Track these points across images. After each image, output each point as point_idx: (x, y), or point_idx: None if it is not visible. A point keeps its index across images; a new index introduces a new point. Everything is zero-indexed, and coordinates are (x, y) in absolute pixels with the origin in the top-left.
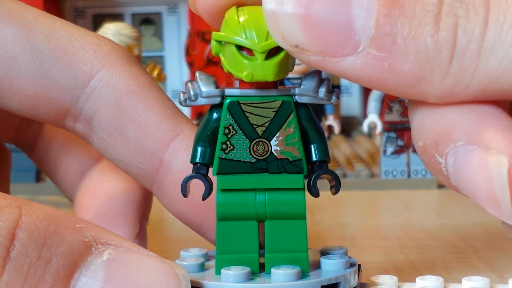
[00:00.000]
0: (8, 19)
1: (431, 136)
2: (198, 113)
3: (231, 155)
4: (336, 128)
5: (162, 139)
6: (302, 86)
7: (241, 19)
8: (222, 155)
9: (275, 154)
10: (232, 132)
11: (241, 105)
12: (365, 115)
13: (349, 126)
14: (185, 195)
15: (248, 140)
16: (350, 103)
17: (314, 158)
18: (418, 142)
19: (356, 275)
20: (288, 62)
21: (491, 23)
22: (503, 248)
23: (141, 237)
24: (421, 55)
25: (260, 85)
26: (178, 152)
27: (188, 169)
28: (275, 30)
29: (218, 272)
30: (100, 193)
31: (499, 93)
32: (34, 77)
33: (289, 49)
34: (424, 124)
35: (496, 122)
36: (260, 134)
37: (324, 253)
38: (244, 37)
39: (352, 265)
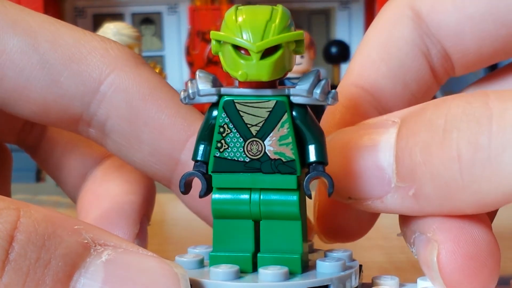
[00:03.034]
0: (13, 28)
1: (403, 228)
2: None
3: (225, 154)
4: None
5: (177, 139)
6: (296, 87)
7: (239, 19)
8: (217, 153)
9: (269, 154)
10: (227, 131)
11: (236, 104)
12: None
13: None
14: (183, 192)
15: (242, 140)
16: None
17: (309, 159)
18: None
19: (357, 276)
20: (285, 61)
21: (496, 130)
22: (503, 248)
23: (141, 238)
24: (434, 177)
25: (256, 84)
26: None
27: None
28: (332, 189)
29: None
30: (102, 194)
31: None
32: (43, 86)
33: (345, 201)
34: (400, 219)
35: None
36: (254, 134)
37: (326, 255)
38: (240, 36)
39: (349, 267)
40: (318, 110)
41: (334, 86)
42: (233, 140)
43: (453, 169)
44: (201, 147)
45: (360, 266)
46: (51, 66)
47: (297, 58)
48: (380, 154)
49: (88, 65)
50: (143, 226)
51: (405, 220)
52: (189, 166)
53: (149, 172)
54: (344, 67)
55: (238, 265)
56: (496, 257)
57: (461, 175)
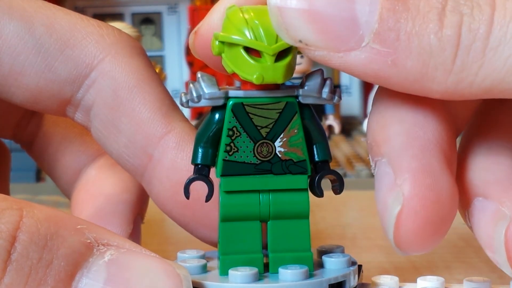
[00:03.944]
0: (9, 14)
1: (370, 139)
2: (198, 113)
3: (235, 157)
4: (336, 128)
5: (153, 135)
6: (306, 87)
7: (249, 20)
8: (226, 157)
9: (279, 155)
10: (236, 134)
11: (245, 106)
12: (365, 115)
13: (349, 126)
14: (187, 197)
15: (252, 142)
16: (350, 103)
17: (316, 158)
18: (364, 137)
19: (356, 275)
20: (294, 63)
21: (497, 22)
22: None
23: (134, 237)
24: (424, 52)
25: (263, 86)
26: (167, 149)
27: (175, 167)
28: (279, 25)
29: (222, 273)
30: (95, 192)
31: (503, 92)
32: (38, 71)
33: (294, 44)
34: (371, 123)
35: (417, 158)
36: (264, 136)
37: (323, 252)
38: (252, 38)
39: (353, 263)
40: (318, 109)
41: (335, 86)
42: (243, 142)
43: (447, 52)
44: (202, 151)
45: (360, 266)
46: (46, 51)
47: (297, 58)
48: (357, 6)
49: (82, 50)
50: (136, 225)
51: (377, 132)
52: (160, 164)
53: (123, 165)
54: None
55: (252, 267)
56: (452, 219)
57: (453, 60)
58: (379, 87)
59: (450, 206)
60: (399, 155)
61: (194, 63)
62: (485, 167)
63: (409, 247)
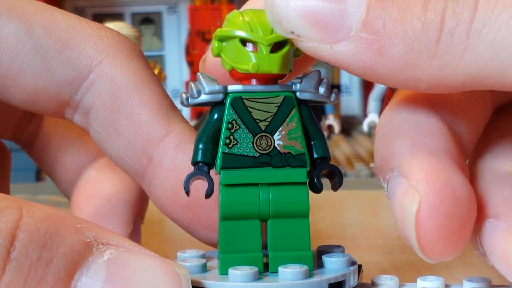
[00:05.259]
0: (8, 15)
1: (379, 159)
2: (198, 113)
3: (234, 150)
4: (336, 128)
5: (152, 136)
6: (303, 83)
7: (246, 18)
8: (225, 149)
9: (278, 148)
10: (236, 127)
11: (244, 100)
12: (365, 115)
13: (349, 126)
14: (187, 193)
15: (251, 135)
16: (350, 102)
17: (315, 155)
18: (372, 163)
19: (356, 275)
20: (290, 58)
21: (482, 6)
22: None
23: (134, 237)
24: (408, 36)
25: (262, 81)
26: (167, 150)
27: (176, 168)
28: (273, 17)
29: (222, 272)
30: (95, 192)
31: (489, 79)
32: (36, 72)
33: (287, 35)
34: (377, 146)
35: (427, 160)
36: (263, 129)
37: (323, 251)
38: (250, 32)
39: (353, 263)
40: (318, 109)
41: (334, 86)
42: (242, 135)
43: (430, 35)
44: (202, 148)
45: (360, 266)
46: (44, 52)
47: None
48: None
49: (80, 52)
50: (136, 225)
51: (384, 151)
52: (161, 165)
53: (123, 167)
54: None
55: (252, 266)
56: (473, 218)
57: (437, 44)
58: (382, 114)
59: (468, 202)
60: (408, 161)
61: (194, 63)
62: (491, 189)
63: (433, 248)
